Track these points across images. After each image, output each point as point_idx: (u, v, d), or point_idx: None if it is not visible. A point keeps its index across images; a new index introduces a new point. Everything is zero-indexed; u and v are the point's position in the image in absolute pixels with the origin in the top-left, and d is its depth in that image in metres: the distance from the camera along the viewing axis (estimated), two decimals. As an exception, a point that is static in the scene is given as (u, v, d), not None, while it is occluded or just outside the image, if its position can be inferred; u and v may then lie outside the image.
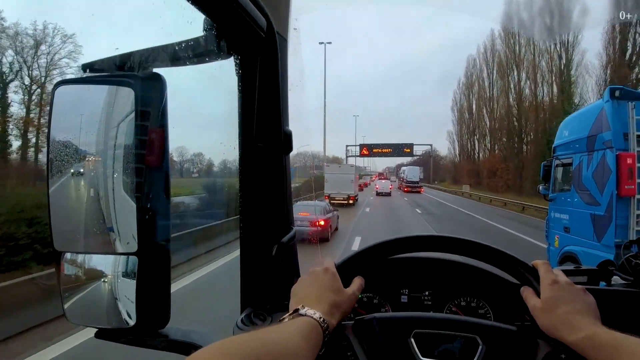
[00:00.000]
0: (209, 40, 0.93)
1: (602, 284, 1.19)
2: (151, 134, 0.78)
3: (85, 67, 0.88)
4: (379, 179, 74.42)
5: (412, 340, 0.88)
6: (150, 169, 0.78)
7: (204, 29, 0.92)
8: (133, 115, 0.77)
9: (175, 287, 6.84)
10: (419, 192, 56.84)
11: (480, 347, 0.85)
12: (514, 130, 54.50)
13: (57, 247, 0.85)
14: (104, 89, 0.85)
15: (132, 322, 0.81)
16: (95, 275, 0.86)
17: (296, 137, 1.10)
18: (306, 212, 13.66)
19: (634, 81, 35.97)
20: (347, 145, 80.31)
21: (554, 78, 50.10)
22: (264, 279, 1.13)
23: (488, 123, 65.95)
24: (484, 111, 66.76)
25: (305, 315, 0.79)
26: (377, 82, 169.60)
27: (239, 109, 1.06)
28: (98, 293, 0.86)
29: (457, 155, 79.50)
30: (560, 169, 8.11)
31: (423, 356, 0.86)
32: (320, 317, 0.79)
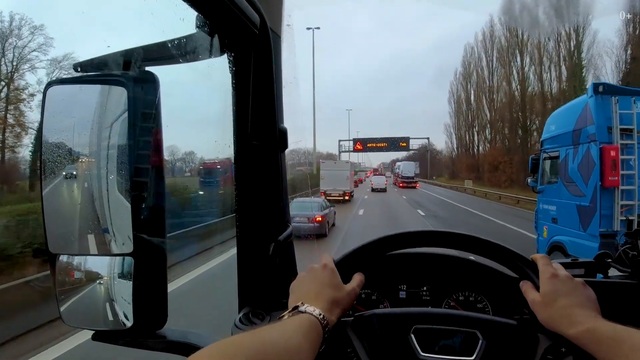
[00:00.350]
0: (201, 38, 0.92)
1: (599, 276, 1.19)
2: (145, 133, 0.78)
3: (77, 66, 0.87)
4: (374, 174, 73.41)
5: (412, 336, 0.88)
6: (145, 168, 0.78)
7: (197, 26, 0.92)
8: (126, 114, 0.76)
9: (172, 287, 6.83)
10: (414, 187, 55.55)
11: (480, 341, 0.86)
12: (517, 120, 51.37)
13: (52, 250, 0.84)
14: (96, 88, 0.85)
15: (129, 324, 0.81)
16: (91, 277, 0.86)
17: (291, 134, 1.10)
18: (304, 209, 13.95)
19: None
20: (339, 140, 78.24)
21: (562, 61, 46.69)
22: (261, 277, 1.13)
23: (488, 114, 62.84)
24: (484, 101, 63.48)
25: (305, 312, 0.79)
26: (372, 78, 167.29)
27: (233, 106, 1.05)
28: (94, 295, 0.86)
29: (455, 149, 76.26)
30: (547, 162, 8.47)
31: (423, 352, 0.86)
32: (320, 314, 0.79)
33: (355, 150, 76.74)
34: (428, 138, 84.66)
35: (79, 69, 0.87)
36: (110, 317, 0.84)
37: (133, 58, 0.86)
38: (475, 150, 66.97)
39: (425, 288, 1.19)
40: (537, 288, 0.88)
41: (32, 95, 20.99)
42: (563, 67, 47.18)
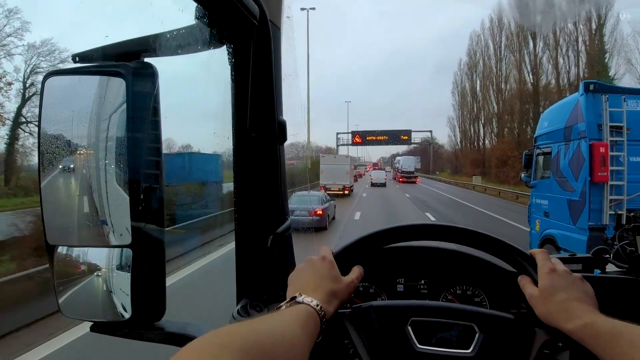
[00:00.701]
0: (201, 29, 0.91)
1: (597, 272, 1.18)
2: (143, 125, 0.76)
3: (75, 57, 0.86)
4: (374, 169, 71.61)
5: (409, 328, 0.87)
6: (143, 160, 0.77)
7: (196, 17, 0.90)
8: (125, 106, 0.75)
9: (170, 280, 6.82)
10: (414, 182, 53.75)
11: (477, 335, 0.85)
12: (528, 111, 47.59)
13: (50, 241, 0.83)
14: (94, 79, 0.83)
15: (127, 315, 0.79)
16: (89, 268, 0.84)
17: (290, 127, 1.09)
18: (304, 203, 14.07)
19: None
20: (337, 133, 73.97)
21: (580, 46, 42.43)
22: (259, 270, 1.12)
23: (495, 105, 58.32)
24: (491, 92, 59.12)
25: (303, 303, 0.78)
26: (372, 71, 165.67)
27: (232, 98, 1.04)
28: (92, 286, 0.85)
29: (459, 142, 71.26)
30: (541, 158, 8.69)
31: (420, 344, 0.85)
32: (317, 305, 0.78)
33: (354, 143, 73.19)
34: (431, 131, 79.94)
35: (77, 60, 0.85)
36: (109, 309, 0.83)
37: (132, 49, 0.84)
38: (481, 144, 62.71)
39: (423, 281, 1.17)
40: (535, 283, 0.87)
41: (10, 84, 20.38)
42: (583, 52, 43.03)
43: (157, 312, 0.82)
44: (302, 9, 45.63)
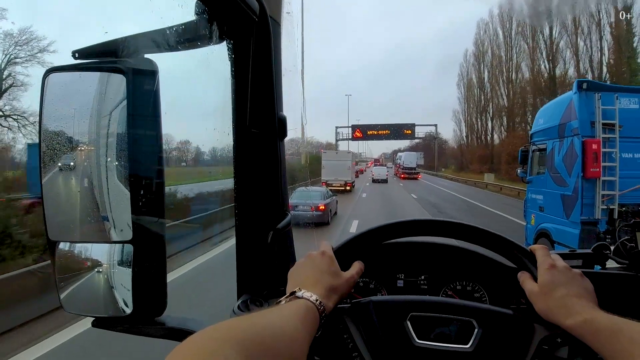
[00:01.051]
0: (201, 25, 0.89)
1: (597, 268, 1.17)
2: (144, 120, 0.75)
3: (75, 53, 0.84)
4: (375, 165, 69.05)
5: (408, 323, 0.86)
6: (144, 156, 0.76)
7: (196, 13, 0.88)
8: (125, 102, 0.74)
9: (171, 276, 6.81)
10: (416, 178, 51.66)
11: (476, 330, 0.84)
12: (543, 102, 39.13)
13: (52, 237, 0.82)
14: (95, 75, 0.81)
15: (128, 311, 0.79)
16: (90, 264, 0.84)
17: (290, 122, 1.07)
18: (306, 198, 14.14)
19: None
20: (337, 127, 69.11)
21: (604, 28, 37.12)
22: (260, 265, 1.11)
23: (505, 97, 53.68)
24: (500, 83, 54.29)
25: (302, 297, 0.77)
26: (373, 66, 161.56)
27: (232, 94, 1.02)
28: (94, 282, 0.84)
29: (464, 137, 66.70)
30: (536, 154, 8.72)
31: (419, 339, 0.84)
32: (317, 300, 0.77)
33: (354, 138, 68.83)
34: (436, 125, 74.13)
35: (77, 56, 0.84)
36: (110, 304, 0.83)
37: (132, 45, 0.83)
38: (489, 139, 57.98)
39: (422, 277, 1.16)
40: (535, 278, 0.85)
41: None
42: (607, 35, 37.71)
43: (158, 307, 0.82)
44: (299, -5, 44.27)
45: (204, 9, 0.88)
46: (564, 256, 1.02)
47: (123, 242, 0.78)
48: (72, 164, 0.80)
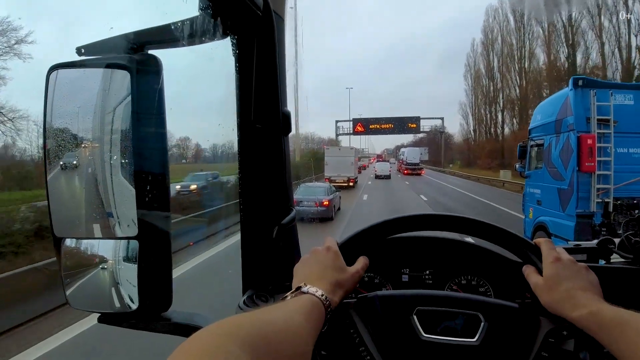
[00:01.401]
0: (204, 20, 0.87)
1: (602, 262, 1.16)
2: (148, 116, 0.74)
3: (79, 49, 0.82)
4: (377, 161, 66.60)
5: (415, 317, 0.84)
6: (148, 152, 0.74)
7: (200, 9, 0.86)
8: (129, 98, 0.73)
9: (177, 272, 6.82)
10: (419, 174, 49.31)
11: (482, 324, 0.82)
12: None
13: (57, 234, 0.82)
14: (99, 72, 0.80)
15: (134, 306, 0.78)
16: (96, 260, 0.83)
17: (295, 117, 1.05)
18: (311, 194, 14.40)
19: None
20: (337, 121, 64.29)
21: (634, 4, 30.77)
22: (265, 260, 1.09)
23: (518, 87, 48.33)
24: (512, 72, 48.69)
25: (308, 293, 0.75)
26: (375, 59, 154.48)
27: (236, 90, 1.00)
28: (100, 278, 0.83)
29: (472, 131, 60.98)
30: (534, 149, 8.79)
31: (425, 333, 0.83)
32: (322, 295, 0.75)
33: (355, 132, 63.47)
34: (442, 118, 67.16)
35: (82, 52, 0.82)
36: (116, 300, 0.81)
37: (136, 41, 0.81)
38: (499, 132, 52.68)
39: (427, 272, 1.14)
40: (540, 272, 0.84)
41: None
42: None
43: (163, 303, 0.81)
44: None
45: (208, 4, 0.86)
46: (569, 250, 1.01)
47: (128, 238, 0.77)
48: (77, 159, 0.79)
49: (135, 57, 0.76)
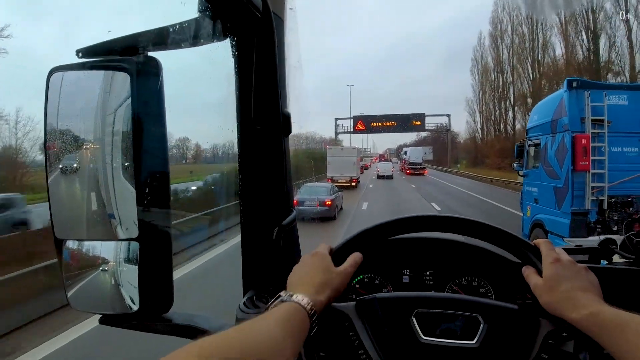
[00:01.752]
0: (203, 22, 0.86)
1: (603, 263, 1.15)
2: (149, 118, 0.73)
3: (79, 52, 0.82)
4: (380, 160, 64.59)
5: (414, 319, 0.83)
6: (149, 154, 0.74)
7: (199, 10, 0.86)
8: (130, 100, 0.72)
9: (177, 274, 6.79)
10: (422, 173, 47.43)
11: (481, 325, 0.81)
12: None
13: (58, 235, 0.81)
14: (99, 74, 0.79)
15: (135, 308, 0.77)
16: (97, 261, 0.82)
17: (295, 118, 1.04)
18: (314, 194, 14.52)
19: None
20: (336, 119, 60.40)
21: None
22: (265, 261, 1.08)
23: (530, 81, 43.48)
24: (526, 64, 43.77)
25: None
26: (379, 59, 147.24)
27: (236, 91, 1.00)
28: (101, 279, 0.82)
29: (479, 129, 55.79)
30: (532, 149, 8.97)
31: (425, 335, 0.82)
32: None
33: (355, 130, 59.36)
34: (449, 115, 61.60)
35: (81, 55, 0.81)
36: (117, 302, 0.80)
37: (135, 43, 0.81)
38: (510, 129, 47.43)
39: (428, 273, 1.14)
40: (540, 273, 0.82)
41: None
42: None
43: (164, 304, 0.80)
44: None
45: (207, 6, 0.86)
46: (571, 251, 1.00)
47: (129, 240, 0.76)
48: (77, 161, 0.79)
49: (135, 59, 0.75)
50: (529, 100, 40.47)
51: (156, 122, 0.75)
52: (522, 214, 9.52)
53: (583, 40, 35.93)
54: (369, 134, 66.10)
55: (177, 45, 0.85)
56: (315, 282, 0.80)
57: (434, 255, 1.14)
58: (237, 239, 1.10)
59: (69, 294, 0.82)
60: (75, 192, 0.82)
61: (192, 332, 0.85)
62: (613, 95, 7.25)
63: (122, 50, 0.80)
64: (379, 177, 39.88)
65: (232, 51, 0.96)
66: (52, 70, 0.77)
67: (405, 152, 58.58)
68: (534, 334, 0.78)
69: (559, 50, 40.16)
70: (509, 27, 46.65)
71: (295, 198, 13.26)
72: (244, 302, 1.01)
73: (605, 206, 7.03)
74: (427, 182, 35.27)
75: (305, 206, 13.79)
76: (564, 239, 7.04)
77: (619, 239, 1.17)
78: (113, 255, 0.80)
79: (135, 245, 0.75)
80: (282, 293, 0.77)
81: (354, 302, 0.87)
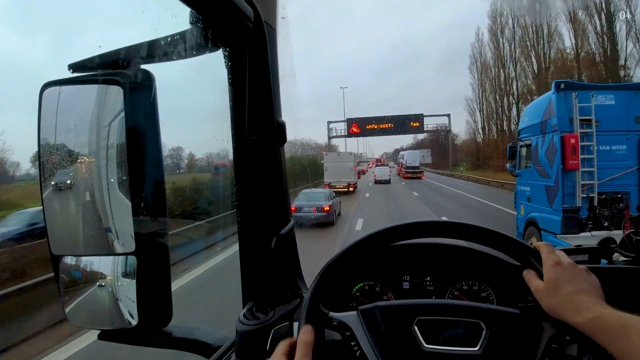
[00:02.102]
0: (195, 34, 0.85)
1: (604, 262, 1.14)
2: (143, 131, 0.73)
3: (71, 66, 0.80)
4: (377, 165, 62.59)
5: (416, 327, 0.82)
6: (144, 167, 0.73)
7: (190, 22, 0.85)
8: (123, 113, 0.71)
9: (176, 285, 6.73)
10: (419, 177, 46.03)
11: (484, 332, 0.79)
12: (595, 79, 27.67)
13: (55, 251, 0.80)
14: (92, 88, 0.79)
15: (134, 322, 0.76)
16: (94, 277, 0.81)
17: (289, 127, 1.03)
18: (312, 200, 14.56)
19: None
20: (329, 122, 55.89)
21: None
22: (264, 272, 1.07)
23: (536, 74, 40.31)
24: (532, 58, 40.49)
25: None
26: (375, 64, 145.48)
27: (230, 102, 0.98)
28: (99, 294, 0.81)
29: (481, 129, 51.97)
30: (524, 149, 9.09)
31: (427, 343, 0.80)
32: None
33: (350, 134, 54.56)
34: (449, 115, 56.52)
35: (72, 70, 0.80)
36: (116, 316, 0.79)
37: (128, 57, 0.80)
38: (514, 127, 39.93)
39: (428, 278, 1.12)
40: (541, 276, 0.81)
41: None
42: None
43: (163, 317, 0.79)
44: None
45: (198, 17, 0.84)
46: (570, 251, 0.99)
47: (126, 254, 0.75)
48: (72, 176, 0.77)
49: (128, 72, 0.75)
50: (535, 96, 33.44)
51: (150, 135, 0.74)
52: (516, 214, 9.64)
53: (596, 27, 32.42)
54: (364, 138, 63.12)
55: (169, 57, 0.85)
56: None
57: (434, 261, 1.12)
58: (235, 248, 1.09)
59: (67, 310, 0.80)
60: (71, 207, 0.81)
61: (192, 345, 0.83)
62: (600, 96, 7.38)
63: (114, 63, 0.79)
64: (377, 182, 38.88)
65: (225, 62, 0.95)
66: (45, 85, 0.76)
67: (402, 156, 57.31)
68: (537, 338, 0.76)
69: (568, 41, 36.82)
70: (510, 19, 43.91)
71: (293, 204, 13.39)
72: (244, 313, 0.99)
73: (595, 203, 7.17)
74: (430, 188, 31.81)
75: (304, 212, 13.80)
76: (557, 235, 7.20)
77: (618, 237, 1.16)
78: (111, 270, 0.79)
79: (132, 260, 0.74)
80: None
81: (355, 312, 0.86)
